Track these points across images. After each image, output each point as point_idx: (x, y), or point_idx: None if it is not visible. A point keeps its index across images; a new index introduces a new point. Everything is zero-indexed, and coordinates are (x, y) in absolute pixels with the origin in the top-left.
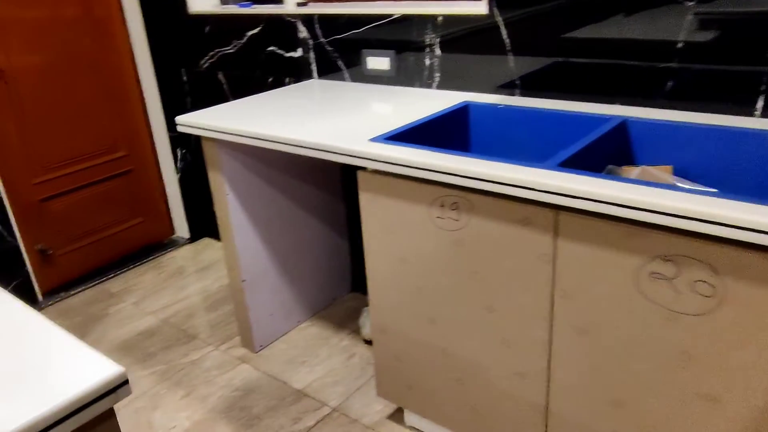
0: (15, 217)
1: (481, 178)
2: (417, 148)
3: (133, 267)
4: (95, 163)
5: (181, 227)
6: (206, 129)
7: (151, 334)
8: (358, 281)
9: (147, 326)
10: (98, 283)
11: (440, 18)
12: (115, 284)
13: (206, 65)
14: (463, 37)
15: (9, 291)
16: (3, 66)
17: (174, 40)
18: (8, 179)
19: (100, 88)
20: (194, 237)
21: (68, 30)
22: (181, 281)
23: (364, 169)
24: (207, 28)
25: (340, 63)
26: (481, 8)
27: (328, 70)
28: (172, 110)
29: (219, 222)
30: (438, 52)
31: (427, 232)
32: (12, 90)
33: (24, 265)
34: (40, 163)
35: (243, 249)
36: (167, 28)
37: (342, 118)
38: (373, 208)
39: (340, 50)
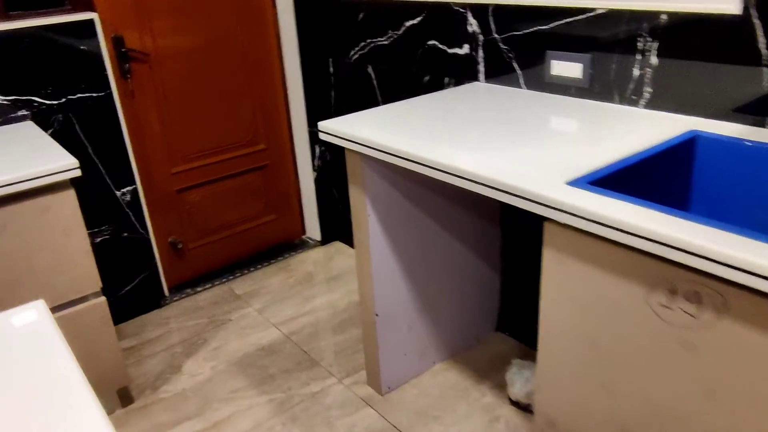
0: (148, 207)
1: (754, 272)
2: (638, 204)
3: (261, 267)
4: (234, 155)
5: (313, 228)
6: (351, 141)
7: (272, 351)
8: (506, 320)
9: (269, 341)
10: (225, 282)
11: (664, 17)
12: (241, 284)
13: (356, 57)
14: (693, 41)
15: (137, 283)
16: (149, 50)
17: (324, 27)
18: (146, 168)
19: (245, 75)
20: (325, 240)
21: (217, 11)
22: (309, 290)
23: (552, 219)
24: (360, 16)
25: (514, 65)
26: (732, 6)
27: (497, 73)
28: (314, 104)
29: (356, 247)
30: (653, 59)
31: (639, 321)
32: (156, 75)
33: (153, 257)
34: (180, 152)
35: (380, 279)
36: (318, 14)
37: (519, 141)
38: (560, 271)
39: (517, 49)
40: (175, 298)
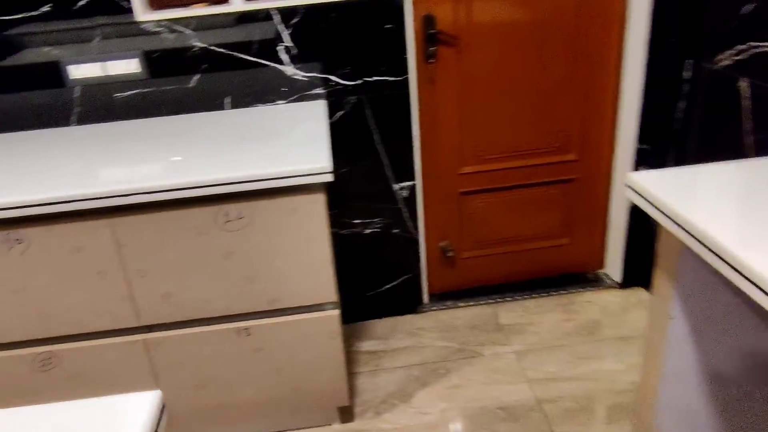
0: (425, 207)
1: None
2: None
3: (537, 297)
4: (536, 163)
5: (614, 265)
6: (668, 217)
7: (514, 416)
8: None
9: (515, 400)
10: (491, 303)
11: None
12: (507, 312)
13: (725, 63)
14: None
15: (398, 283)
16: (459, 31)
17: (688, 17)
18: (431, 164)
19: (569, 68)
20: (627, 283)
21: None
22: (587, 346)
23: None
24: (746, 8)
25: None
26: None
27: None
28: (652, 116)
29: (646, 353)
30: None
31: None
32: (463, 61)
33: (419, 260)
34: (474, 152)
35: (669, 403)
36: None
37: None
38: None
39: None
40: (433, 308)
